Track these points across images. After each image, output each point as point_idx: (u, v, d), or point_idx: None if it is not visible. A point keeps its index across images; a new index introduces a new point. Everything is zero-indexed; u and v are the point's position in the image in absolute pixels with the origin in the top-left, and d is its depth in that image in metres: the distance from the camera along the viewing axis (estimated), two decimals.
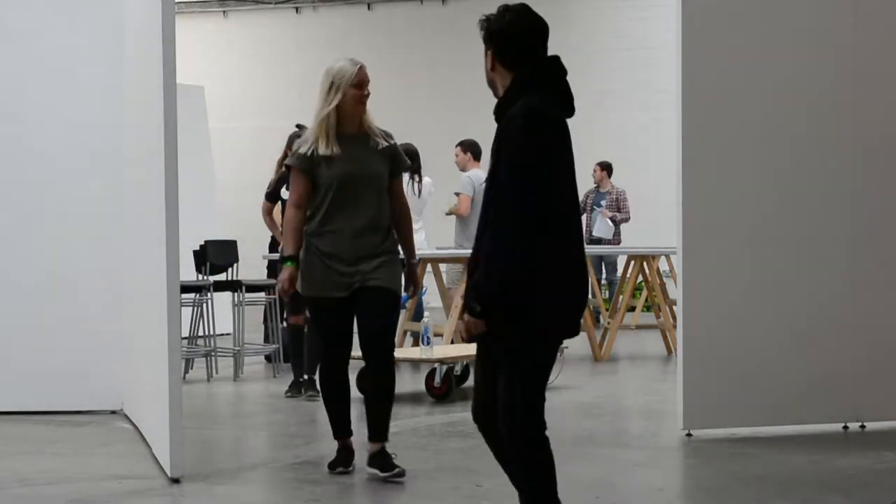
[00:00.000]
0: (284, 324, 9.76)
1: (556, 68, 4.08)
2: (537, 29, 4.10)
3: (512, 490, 4.16)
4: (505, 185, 3.90)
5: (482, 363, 4.16)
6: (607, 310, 12.60)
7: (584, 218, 14.76)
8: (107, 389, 7.69)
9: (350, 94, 5.63)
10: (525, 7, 4.12)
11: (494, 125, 4.06)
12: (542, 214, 3.89)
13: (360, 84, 5.66)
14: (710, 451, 6.43)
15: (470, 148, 11.02)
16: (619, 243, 14.59)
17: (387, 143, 5.72)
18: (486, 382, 4.10)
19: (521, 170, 3.89)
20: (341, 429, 5.85)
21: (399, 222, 5.81)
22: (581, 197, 14.69)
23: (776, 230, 6.81)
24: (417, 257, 5.69)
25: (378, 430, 5.69)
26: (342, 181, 5.59)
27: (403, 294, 5.81)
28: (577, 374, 9.98)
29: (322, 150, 5.60)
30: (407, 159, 5.85)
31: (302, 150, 5.66)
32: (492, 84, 4.16)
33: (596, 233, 14.58)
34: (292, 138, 8.34)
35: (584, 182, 14.69)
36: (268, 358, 10.50)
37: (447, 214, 11.17)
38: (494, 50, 4.09)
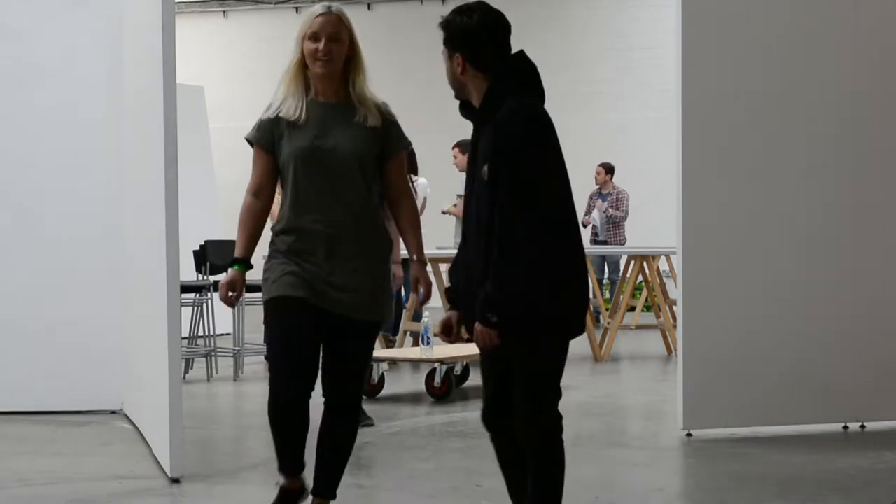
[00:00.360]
0: None
1: (529, 64, 3.97)
2: (503, 26, 3.96)
3: None
4: (519, 193, 3.76)
5: (492, 362, 4.04)
6: (607, 310, 12.61)
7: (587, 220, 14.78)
8: (107, 389, 7.69)
9: (305, 48, 4.42)
10: (487, 5, 3.98)
11: None
12: (555, 217, 3.83)
13: (314, 36, 4.40)
14: (710, 451, 6.43)
15: (469, 148, 10.98)
16: (623, 243, 14.60)
17: (379, 119, 4.45)
18: (498, 382, 4.01)
19: (532, 175, 3.77)
20: (291, 463, 4.53)
21: (398, 215, 4.56)
22: (584, 199, 14.72)
23: (776, 230, 6.81)
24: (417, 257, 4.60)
25: (326, 484, 4.55)
26: (306, 158, 4.37)
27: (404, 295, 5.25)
28: (577, 374, 9.97)
29: (286, 112, 4.42)
30: (407, 138, 4.60)
31: (263, 117, 4.49)
32: (460, 87, 3.99)
33: (594, 222, 14.59)
34: None
35: (586, 183, 14.73)
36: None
37: (444, 213, 11.16)
38: (465, 52, 3.92)
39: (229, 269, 4.48)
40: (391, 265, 4.57)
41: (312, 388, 4.38)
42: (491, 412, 4.05)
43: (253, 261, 4.52)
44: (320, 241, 4.37)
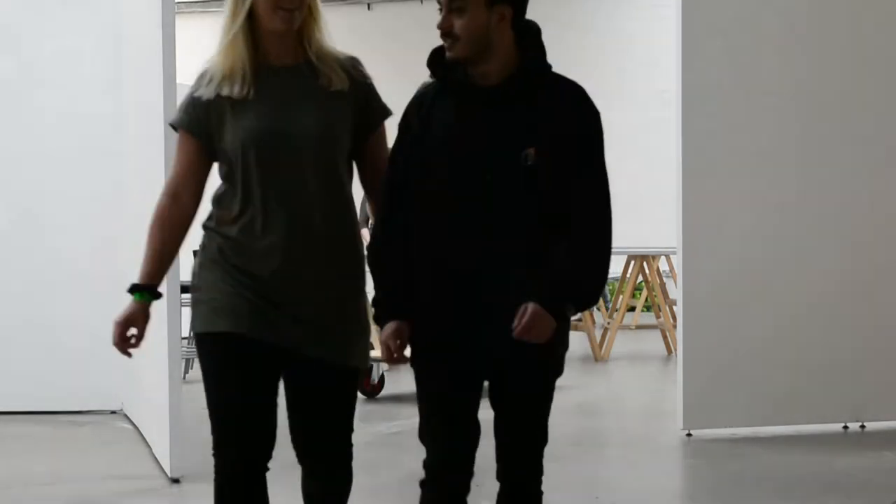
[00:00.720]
0: None
1: None
2: None
3: None
4: (601, 180, 3.18)
5: (457, 413, 3.23)
6: (607, 309, 12.60)
7: None
8: (107, 389, 7.69)
9: None
10: None
11: None
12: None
13: None
14: (710, 451, 6.43)
15: None
16: None
17: (346, 80, 3.30)
18: (458, 437, 3.24)
19: (604, 162, 3.24)
20: None
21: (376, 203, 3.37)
22: None
23: (776, 230, 6.81)
24: None
25: None
26: (263, 145, 3.21)
27: None
28: (577, 374, 9.97)
29: (229, 91, 3.23)
30: (386, 106, 3.42)
31: (196, 94, 3.29)
32: (481, 47, 3.12)
33: None
34: None
35: None
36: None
37: None
38: (516, 5, 3.15)
39: (133, 299, 3.31)
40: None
41: (269, 457, 3.41)
42: (451, 464, 3.24)
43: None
44: (276, 259, 3.22)
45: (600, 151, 3.21)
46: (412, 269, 3.19)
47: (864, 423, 7.04)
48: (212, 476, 5.67)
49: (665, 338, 11.92)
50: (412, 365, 3.23)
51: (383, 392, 8.58)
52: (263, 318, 3.22)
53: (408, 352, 3.20)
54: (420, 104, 3.27)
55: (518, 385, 3.21)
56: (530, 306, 3.05)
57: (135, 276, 3.32)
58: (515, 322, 3.05)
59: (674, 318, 11.00)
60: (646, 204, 16.27)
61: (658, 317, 12.54)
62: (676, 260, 6.93)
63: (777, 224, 6.81)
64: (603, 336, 11.66)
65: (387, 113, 3.40)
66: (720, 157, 6.73)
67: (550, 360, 3.23)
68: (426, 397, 3.23)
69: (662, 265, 12.89)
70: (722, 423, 6.83)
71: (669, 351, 11.65)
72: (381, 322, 3.21)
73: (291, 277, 3.22)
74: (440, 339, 3.16)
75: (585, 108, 3.23)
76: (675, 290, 7.02)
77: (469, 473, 3.23)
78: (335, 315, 3.25)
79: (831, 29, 6.85)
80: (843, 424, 7.02)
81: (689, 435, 6.78)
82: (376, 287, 3.22)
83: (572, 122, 3.18)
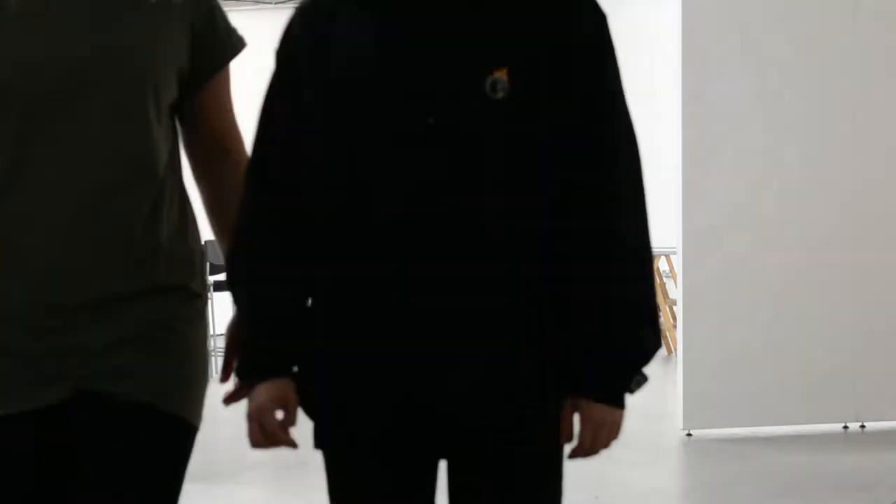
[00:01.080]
0: None
1: None
2: None
3: None
4: (623, 123, 2.13)
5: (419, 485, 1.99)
6: None
7: None
8: None
9: None
10: None
11: None
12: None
13: None
14: (710, 451, 6.43)
15: None
16: None
17: None
18: None
19: (624, 96, 2.08)
20: None
21: (213, 181, 2.41)
22: None
23: (776, 230, 6.80)
24: None
25: None
26: (20, 84, 1.94)
27: None
28: None
29: None
30: (239, 34, 2.19)
31: None
32: None
33: None
34: None
35: None
36: None
37: None
38: None
39: None
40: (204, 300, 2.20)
41: None
42: None
43: None
44: (34, 260, 1.99)
45: (616, 77, 2.00)
46: (307, 291, 1.98)
47: (864, 423, 7.03)
48: (210, 476, 5.67)
49: (665, 338, 11.91)
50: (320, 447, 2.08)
51: None
52: (21, 380, 2.02)
53: (297, 430, 2.08)
54: (309, 15, 1.96)
55: (499, 473, 1.94)
56: (584, 409, 1.95)
57: None
58: (563, 438, 1.95)
59: (674, 318, 11.00)
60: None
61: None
62: (676, 260, 6.93)
63: (777, 224, 6.80)
64: None
65: (239, 44, 2.19)
66: (720, 156, 6.73)
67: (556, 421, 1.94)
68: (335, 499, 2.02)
69: (662, 265, 12.88)
70: (722, 423, 6.83)
71: (669, 351, 11.63)
72: (248, 379, 2.05)
73: (58, 300, 2.00)
74: (367, 415, 1.95)
75: (586, 9, 1.95)
76: (675, 290, 7.01)
77: None
78: (142, 335, 2.08)
79: (832, 28, 6.85)
80: (843, 424, 7.02)
81: (689, 435, 6.78)
82: (246, 321, 2.03)
83: (566, 27, 1.92)
